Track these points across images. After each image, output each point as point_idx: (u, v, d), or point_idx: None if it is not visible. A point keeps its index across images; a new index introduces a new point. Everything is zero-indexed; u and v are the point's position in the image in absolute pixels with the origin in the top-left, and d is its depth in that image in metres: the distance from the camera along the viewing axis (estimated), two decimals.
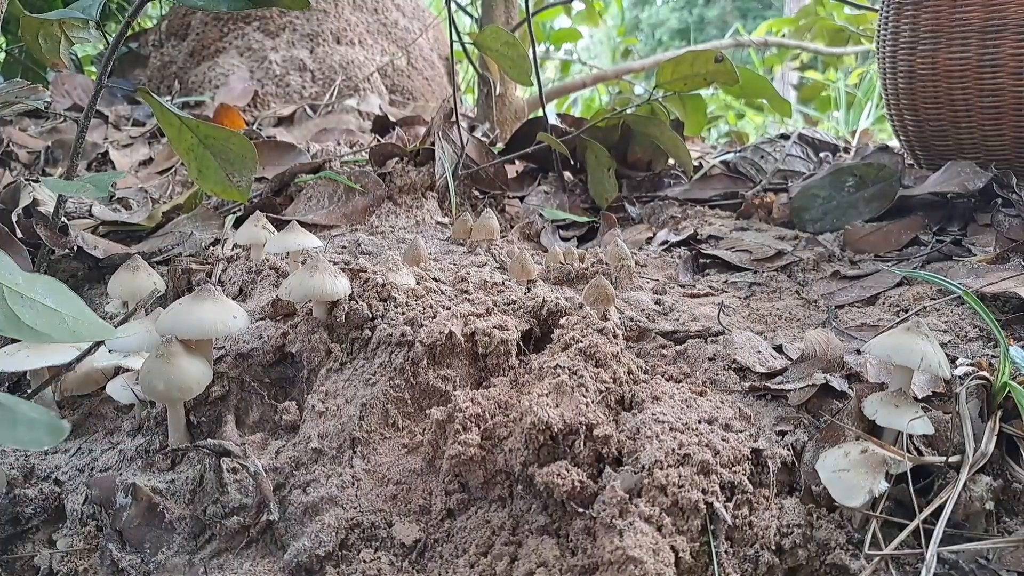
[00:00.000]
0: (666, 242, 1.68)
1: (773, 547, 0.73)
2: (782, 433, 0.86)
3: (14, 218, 1.44)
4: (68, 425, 0.75)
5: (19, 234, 1.41)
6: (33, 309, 0.77)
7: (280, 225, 1.34)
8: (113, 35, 1.26)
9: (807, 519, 0.75)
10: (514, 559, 0.76)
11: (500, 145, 2.24)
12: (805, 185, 1.68)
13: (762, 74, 1.89)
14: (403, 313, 1.00)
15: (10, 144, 2.19)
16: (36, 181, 1.58)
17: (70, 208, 1.64)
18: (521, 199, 2.01)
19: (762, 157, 1.94)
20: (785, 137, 2.00)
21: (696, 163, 2.07)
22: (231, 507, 0.85)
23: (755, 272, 1.45)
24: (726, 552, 0.73)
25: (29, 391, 1.04)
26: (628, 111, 1.99)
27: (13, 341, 0.99)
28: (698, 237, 1.66)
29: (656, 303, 1.26)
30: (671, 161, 2.06)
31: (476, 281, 1.15)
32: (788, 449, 0.82)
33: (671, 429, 0.80)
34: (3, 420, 0.72)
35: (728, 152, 2.13)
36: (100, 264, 1.46)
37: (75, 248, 1.43)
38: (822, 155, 1.92)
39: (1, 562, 0.87)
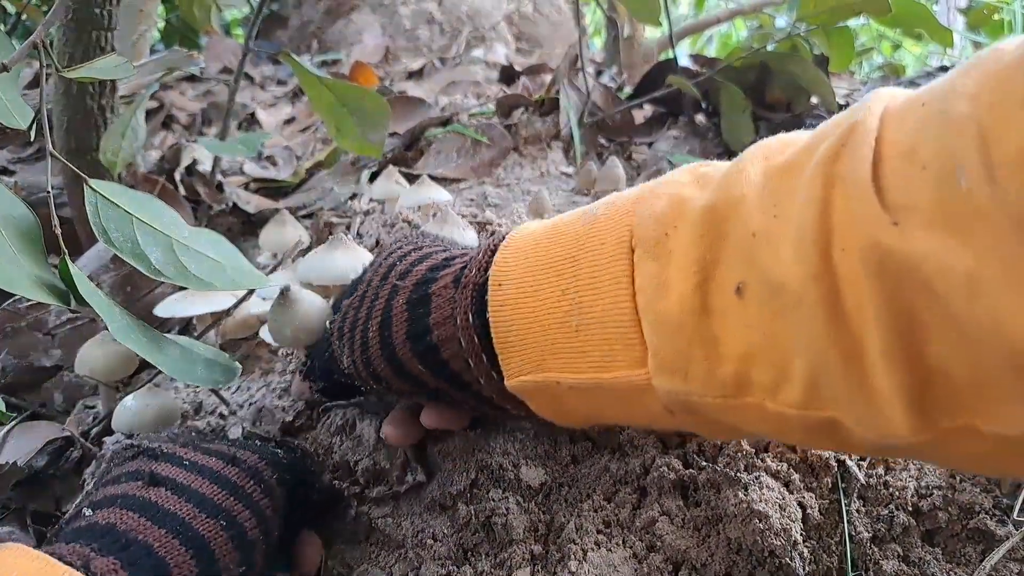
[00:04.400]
0: None
1: (910, 508, 0.70)
2: None
3: (178, 176, 1.59)
4: (239, 366, 0.84)
5: (182, 191, 1.55)
6: (198, 260, 0.86)
7: (412, 179, 1.39)
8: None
9: (948, 481, 0.71)
10: (637, 507, 0.78)
11: (628, 90, 2.19)
12: None
13: None
14: None
15: (171, 108, 2.39)
16: (194, 142, 1.72)
17: (225, 166, 1.78)
18: (649, 145, 1.96)
19: None
20: (945, 69, 1.81)
21: (842, 101, 1.92)
22: None
23: None
24: (858, 511, 0.71)
25: (195, 335, 1.17)
26: (767, 48, 1.87)
27: (179, 290, 1.11)
28: None
29: None
30: (813, 100, 1.93)
31: None
32: None
33: None
34: (184, 360, 0.81)
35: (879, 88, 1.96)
36: (252, 218, 1.58)
37: (230, 204, 1.56)
38: None
39: None
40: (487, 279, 0.52)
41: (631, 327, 0.43)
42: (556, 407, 0.53)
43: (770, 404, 0.39)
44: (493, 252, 0.53)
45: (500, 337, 0.51)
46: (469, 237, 1.03)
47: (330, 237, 1.02)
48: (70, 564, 0.45)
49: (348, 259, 0.98)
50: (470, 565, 0.78)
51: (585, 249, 0.47)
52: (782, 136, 0.44)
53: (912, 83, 1.81)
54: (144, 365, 1.07)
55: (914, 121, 0.35)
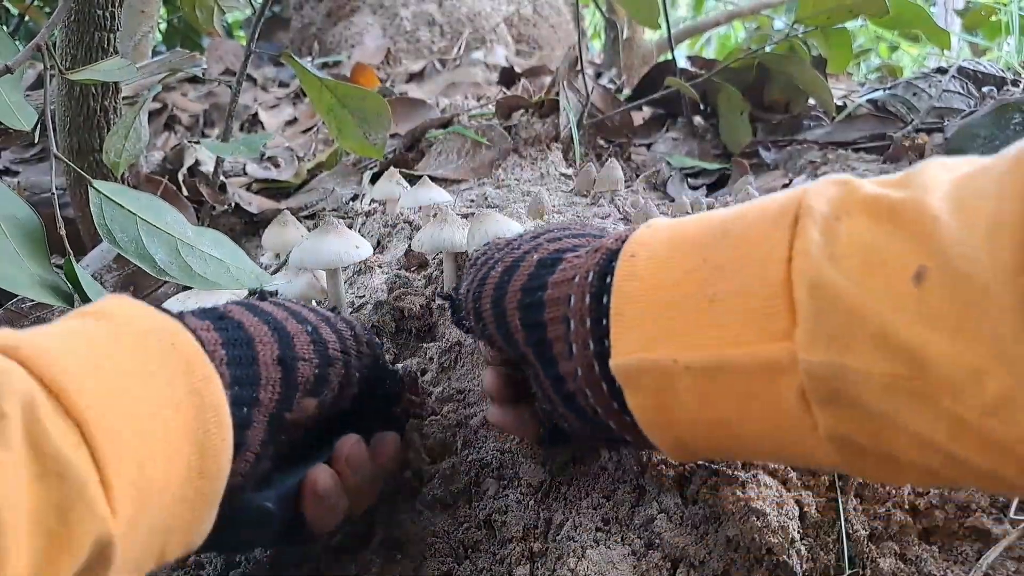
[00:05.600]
0: None
1: (907, 506, 0.71)
2: None
3: (180, 178, 1.60)
4: None
5: (185, 192, 1.56)
6: (203, 260, 0.87)
7: (413, 180, 1.40)
8: (259, 1, 1.34)
9: None
10: (635, 504, 0.78)
11: (627, 91, 2.20)
12: (963, 124, 1.53)
13: (918, 1, 1.72)
14: None
15: (173, 109, 2.40)
16: (197, 143, 1.73)
17: (227, 167, 1.79)
18: (648, 147, 1.97)
19: (915, 94, 1.78)
20: (942, 71, 1.81)
21: (840, 102, 1.93)
22: None
23: None
24: (855, 509, 0.71)
25: None
26: (765, 49, 1.88)
27: (182, 290, 1.12)
28: None
29: None
30: (811, 102, 1.94)
31: None
32: None
33: None
34: None
35: (877, 89, 1.96)
36: (255, 219, 1.59)
37: (233, 204, 1.57)
38: (985, 90, 1.73)
39: None
40: (620, 250, 0.48)
41: (779, 295, 0.37)
42: (660, 402, 0.45)
43: (949, 402, 0.34)
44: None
45: (618, 307, 0.45)
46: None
47: (321, 222, 1.01)
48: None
49: (340, 243, 0.98)
50: (470, 562, 0.79)
51: (741, 220, 0.42)
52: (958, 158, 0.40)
53: (909, 83, 1.82)
54: None
55: None
